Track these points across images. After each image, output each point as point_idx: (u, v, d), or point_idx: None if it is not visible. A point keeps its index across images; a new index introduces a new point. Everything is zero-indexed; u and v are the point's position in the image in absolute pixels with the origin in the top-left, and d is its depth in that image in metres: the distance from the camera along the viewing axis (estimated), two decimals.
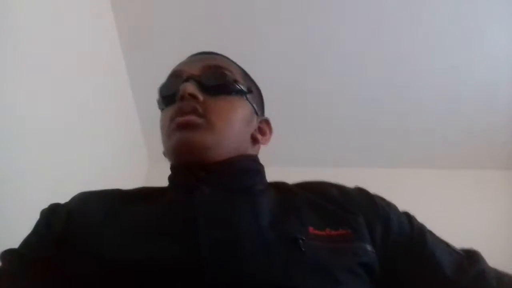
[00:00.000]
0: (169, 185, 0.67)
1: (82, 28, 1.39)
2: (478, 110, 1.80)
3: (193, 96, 0.61)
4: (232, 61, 0.73)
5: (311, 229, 0.56)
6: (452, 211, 1.72)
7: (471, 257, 0.62)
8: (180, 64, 0.70)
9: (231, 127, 0.63)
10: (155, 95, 0.72)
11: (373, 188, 0.67)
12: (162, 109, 0.69)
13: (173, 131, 0.61)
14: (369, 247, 0.57)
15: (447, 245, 0.63)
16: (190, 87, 0.61)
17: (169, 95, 0.66)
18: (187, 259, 0.50)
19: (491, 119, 1.83)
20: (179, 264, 0.50)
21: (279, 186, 0.67)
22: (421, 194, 1.65)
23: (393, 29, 1.62)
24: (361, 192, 0.66)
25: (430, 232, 0.64)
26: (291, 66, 1.72)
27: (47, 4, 1.20)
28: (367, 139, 1.93)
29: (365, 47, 1.66)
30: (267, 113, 0.78)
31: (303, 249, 0.53)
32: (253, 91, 0.71)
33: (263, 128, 0.74)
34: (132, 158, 1.85)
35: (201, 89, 0.63)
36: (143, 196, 0.65)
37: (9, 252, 0.57)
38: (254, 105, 0.71)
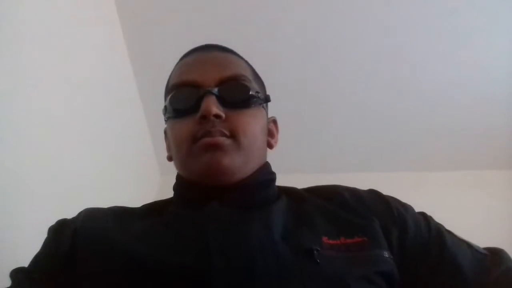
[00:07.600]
0: (175, 196, 0.66)
1: (94, 46, 1.43)
2: (477, 111, 1.77)
3: (217, 116, 0.58)
4: (240, 57, 0.69)
5: (325, 239, 0.54)
6: (453, 212, 1.66)
7: (494, 256, 0.59)
8: (191, 71, 0.64)
9: (255, 142, 0.61)
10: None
11: None
12: (170, 118, 0.65)
13: (201, 152, 0.58)
14: (386, 254, 0.55)
15: (468, 245, 0.61)
16: (214, 107, 0.58)
17: (185, 108, 0.61)
18: (198, 274, 0.49)
19: (491, 119, 1.79)
20: (190, 278, 0.49)
21: (290, 193, 0.65)
22: (423, 197, 1.60)
23: (398, 33, 1.60)
24: (375, 195, 0.64)
25: (449, 232, 0.62)
26: (299, 70, 1.71)
27: (59, 26, 1.23)
28: (366, 143, 1.90)
29: (375, 51, 1.64)
30: (279, 118, 0.74)
31: (318, 260, 0.51)
32: (266, 97, 0.68)
33: (271, 130, 0.71)
34: (143, 170, 1.87)
35: (221, 104, 0.60)
36: (149, 211, 0.64)
37: (19, 271, 0.57)
38: (267, 109, 0.69)
